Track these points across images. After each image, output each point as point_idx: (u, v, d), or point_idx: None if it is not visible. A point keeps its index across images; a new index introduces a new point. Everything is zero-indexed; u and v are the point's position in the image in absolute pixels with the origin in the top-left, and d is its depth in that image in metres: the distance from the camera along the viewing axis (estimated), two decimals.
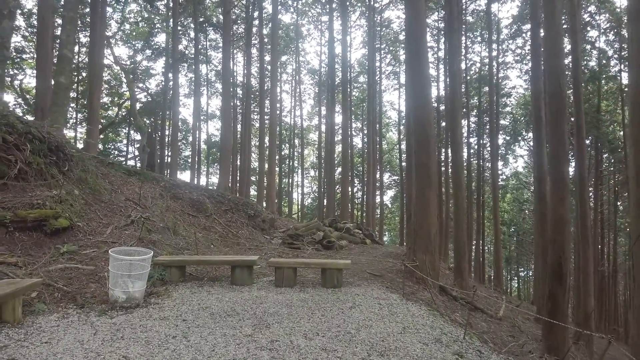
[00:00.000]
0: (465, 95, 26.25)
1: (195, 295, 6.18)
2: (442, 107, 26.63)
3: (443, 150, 26.14)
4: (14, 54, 20.83)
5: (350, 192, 30.47)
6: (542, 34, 12.93)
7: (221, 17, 25.18)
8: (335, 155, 32.25)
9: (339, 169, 32.70)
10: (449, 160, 24.35)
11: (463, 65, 26.04)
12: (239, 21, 29.40)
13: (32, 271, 5.74)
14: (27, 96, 22.88)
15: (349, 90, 30.40)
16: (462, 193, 12.23)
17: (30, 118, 12.71)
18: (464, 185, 13.22)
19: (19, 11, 19.17)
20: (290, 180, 42.27)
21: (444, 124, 26.26)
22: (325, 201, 29.50)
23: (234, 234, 11.77)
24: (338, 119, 33.19)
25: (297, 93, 40.63)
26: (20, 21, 20.33)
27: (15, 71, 22.52)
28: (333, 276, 6.97)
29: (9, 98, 23.67)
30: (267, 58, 26.83)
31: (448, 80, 20.94)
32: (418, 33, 9.30)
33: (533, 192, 24.13)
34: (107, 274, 5.67)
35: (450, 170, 23.21)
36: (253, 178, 31.80)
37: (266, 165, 25.08)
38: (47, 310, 5.04)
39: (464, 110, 25.39)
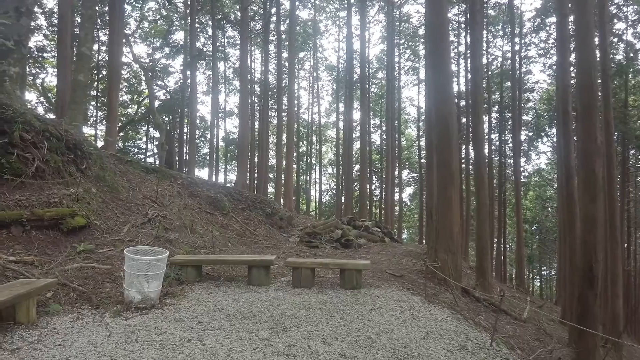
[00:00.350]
0: (486, 91, 25.70)
1: (211, 296, 6.06)
2: (463, 103, 26.13)
3: (464, 146, 25.65)
4: (36, 52, 21.12)
5: (368, 190, 30.16)
6: (570, 26, 12.49)
7: (239, 13, 25.11)
8: (354, 152, 32.00)
9: (357, 166, 32.42)
10: (470, 157, 23.90)
11: (484, 60, 25.48)
12: (256, 18, 29.31)
13: (48, 270, 5.68)
14: (49, 94, 23.20)
15: (367, 86, 30.07)
16: (484, 190, 11.88)
17: (51, 116, 12.83)
18: (487, 183, 12.86)
19: (39, 10, 19.44)
20: (308, 177, 42.15)
21: (464, 120, 25.76)
22: (343, 198, 29.28)
23: (251, 232, 11.66)
24: (356, 115, 32.92)
25: (314, 90, 40.46)
26: (41, 20, 20.62)
27: (37, 70, 22.86)
28: (352, 277, 6.77)
29: (32, 96, 24.06)
30: (285, 55, 26.68)
31: (469, 75, 20.48)
32: (439, 27, 9.04)
33: (557, 190, 23.51)
34: (122, 273, 5.58)
35: (471, 167, 22.79)
36: (271, 175, 31.80)
37: (284, 163, 24.97)
38: (62, 311, 4.96)
39: (486, 105, 24.86)
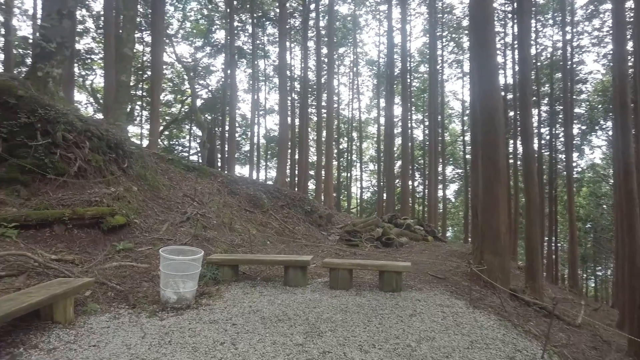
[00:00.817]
0: (535, 83, 24.51)
1: (247, 297, 5.95)
2: (510, 96, 25.06)
3: (511, 141, 24.61)
4: (85, 55, 21.94)
5: (410, 186, 29.55)
6: (627, 12, 11.60)
7: (278, 10, 25.13)
8: (395, 148, 31.42)
9: (399, 163, 31.82)
10: (518, 152, 22.90)
11: (533, 51, 24.29)
12: (295, 14, 29.25)
13: (88, 269, 5.74)
14: (98, 95, 24.07)
15: (408, 80, 29.41)
16: (534, 187, 11.24)
17: (99, 116, 13.21)
18: (536, 179, 12.18)
19: (87, 13, 20.16)
20: (349, 174, 41.82)
21: (511, 113, 24.71)
22: (384, 196, 28.82)
23: (290, 230, 11.57)
24: (397, 110, 32.28)
25: (355, 85, 40.02)
26: (89, 23, 21.38)
27: (87, 71, 23.75)
28: (392, 279, 6.50)
29: (82, 97, 25.08)
30: (325, 51, 26.50)
31: (517, 66, 19.57)
32: (484, 17, 8.58)
33: (613, 186, 22.15)
34: (159, 272, 5.56)
35: (519, 162, 21.82)
36: (311, 172, 31.71)
37: (324, 160, 24.82)
38: (99, 310, 4.98)
39: (535, 98, 23.71)
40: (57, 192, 7.01)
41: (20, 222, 6.18)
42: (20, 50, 18.58)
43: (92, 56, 23.45)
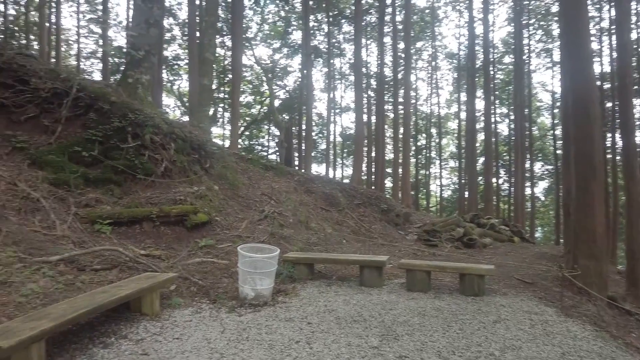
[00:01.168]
0: (637, 70, 22.19)
1: (322, 296, 5.94)
2: (607, 86, 22.93)
3: (609, 135, 22.52)
4: (172, 61, 23.37)
5: (494, 184, 28.10)
6: None
7: (353, 7, 25.03)
8: (477, 144, 30.05)
9: (482, 159, 30.39)
10: (617, 146, 20.90)
11: (634, 35, 22.00)
12: (371, 10, 28.95)
13: (173, 264, 6.05)
14: (184, 99, 25.54)
15: (491, 72, 27.94)
16: (635, 185, 10.15)
17: (185, 118, 13.96)
18: (638, 176, 11.00)
19: (174, 22, 21.44)
20: (428, 171, 40.72)
21: (609, 104, 22.59)
22: (466, 194, 27.68)
23: (366, 229, 11.45)
24: (480, 104, 30.83)
25: (433, 80, 38.83)
26: (176, 31, 22.78)
27: (174, 77, 25.29)
28: (473, 283, 6.16)
29: (170, 101, 26.75)
30: (401, 46, 25.96)
31: (615, 53, 17.84)
32: (576, 1, 7.85)
33: None
34: (238, 269, 5.71)
35: (619, 157, 19.91)
36: (388, 170, 31.28)
37: (401, 157, 24.34)
38: (183, 304, 5.21)
39: (636, 87, 21.45)
40: (146, 191, 7.47)
41: (114, 219, 6.67)
42: (115, 59, 20.24)
43: (179, 62, 24.93)
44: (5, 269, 4.85)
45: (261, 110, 32.00)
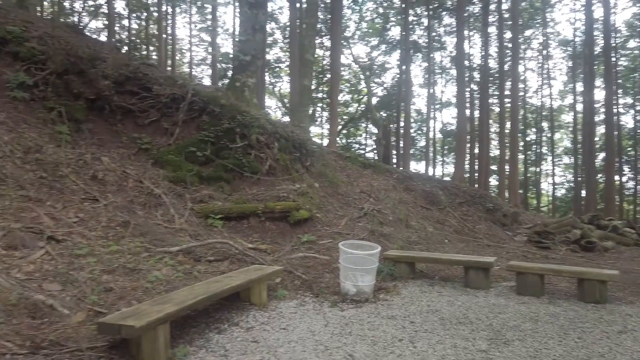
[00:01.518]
0: None
1: (424, 295, 5.81)
2: None
3: None
4: (274, 63, 24.41)
5: (617, 182, 25.33)
6: None
7: None
8: (596, 139, 27.28)
9: (602, 155, 27.53)
10: None
11: None
12: (474, 0, 27.63)
13: (277, 258, 6.31)
14: (285, 100, 26.54)
15: (613, 59, 25.18)
16: None
17: (286, 119, 14.52)
18: None
19: (276, 26, 22.36)
20: (538, 169, 37.83)
21: None
22: (583, 193, 25.30)
23: (470, 229, 10.97)
24: (599, 94, 27.93)
25: (544, 70, 35.98)
26: (277, 34, 23.74)
27: (276, 79, 26.40)
28: (594, 289, 5.61)
29: (271, 102, 27.96)
30: (508, 35, 24.44)
31: None
32: None
33: None
34: (339, 265, 5.81)
35: None
36: (493, 167, 29.66)
37: (507, 153, 22.94)
38: (287, 297, 5.42)
39: None
40: (252, 188, 7.90)
41: (225, 214, 7.15)
42: (222, 64, 21.64)
43: (280, 64, 25.96)
44: (134, 257, 5.43)
45: (359, 108, 32.13)
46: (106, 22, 19.14)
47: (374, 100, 29.13)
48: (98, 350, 3.51)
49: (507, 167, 23.70)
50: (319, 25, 22.27)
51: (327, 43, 27.93)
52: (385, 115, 29.44)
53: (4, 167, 5.79)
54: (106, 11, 19.04)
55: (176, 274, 5.35)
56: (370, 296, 5.55)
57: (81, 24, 12.06)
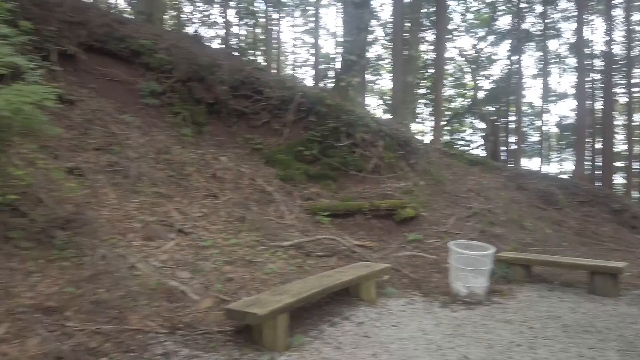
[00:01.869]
0: None
1: (543, 300, 5.47)
2: None
3: None
4: (374, 61, 24.33)
5: None
6: None
7: None
8: None
9: None
10: None
11: None
12: None
13: (384, 256, 6.34)
14: (384, 97, 26.35)
15: None
16: None
17: (387, 116, 14.47)
18: None
19: (377, 23, 22.28)
20: None
21: None
22: None
23: (592, 231, 10.01)
24: None
25: None
26: (378, 31, 23.63)
27: (376, 77, 26.28)
28: None
29: (372, 101, 27.89)
30: (636, 17, 21.86)
31: None
32: None
33: None
34: (449, 265, 5.67)
35: None
36: (619, 164, 26.67)
37: (636, 148, 20.57)
38: (395, 294, 5.43)
39: None
40: (358, 186, 8.02)
41: (331, 212, 7.35)
42: (324, 65, 22.16)
43: (380, 62, 25.79)
44: (251, 250, 5.81)
45: (463, 103, 30.84)
46: (217, 31, 20.60)
47: (481, 94, 27.76)
48: (225, 334, 3.84)
49: (635, 164, 21.28)
50: (421, 20, 21.79)
51: (430, 37, 27.21)
52: (493, 109, 27.91)
53: (140, 167, 6.52)
54: (219, 20, 20.47)
55: (289, 267, 5.62)
56: (483, 298, 5.36)
57: (199, 34, 13.09)
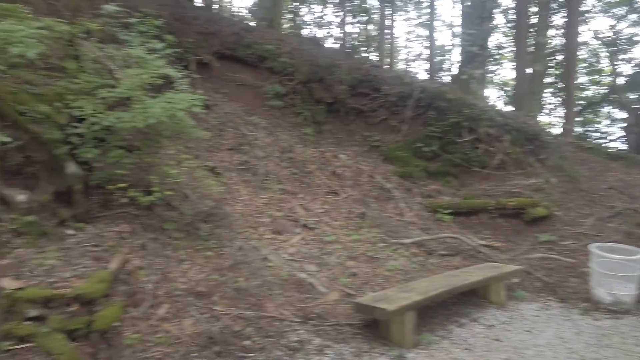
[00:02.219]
0: None
1: None
2: None
3: None
4: (495, 50, 22.86)
5: None
6: None
7: None
8: None
9: None
10: None
11: None
12: None
13: (512, 257, 5.99)
14: (505, 88, 24.66)
15: None
16: None
17: (509, 108, 13.55)
18: None
19: (497, 10, 20.91)
20: None
21: None
22: None
23: None
24: None
25: None
26: (499, 19, 22.10)
27: (496, 67, 24.67)
28: None
29: (491, 92, 26.19)
30: None
31: None
32: None
33: None
34: (589, 269, 5.19)
35: None
36: None
37: None
38: (527, 298, 5.12)
39: None
40: (481, 183, 7.67)
41: (453, 209, 7.13)
42: (439, 57, 21.43)
43: (501, 51, 24.17)
44: (372, 246, 5.88)
45: (598, 91, 27.69)
46: (330, 30, 20.97)
47: (620, 80, 24.72)
48: (354, 327, 3.95)
49: None
50: (550, 3, 19.99)
51: (557, 22, 24.86)
52: (636, 97, 24.62)
53: (267, 165, 6.96)
54: (333, 20, 20.86)
55: (411, 264, 5.59)
56: (632, 307, 4.82)
57: (316, 35, 13.50)
